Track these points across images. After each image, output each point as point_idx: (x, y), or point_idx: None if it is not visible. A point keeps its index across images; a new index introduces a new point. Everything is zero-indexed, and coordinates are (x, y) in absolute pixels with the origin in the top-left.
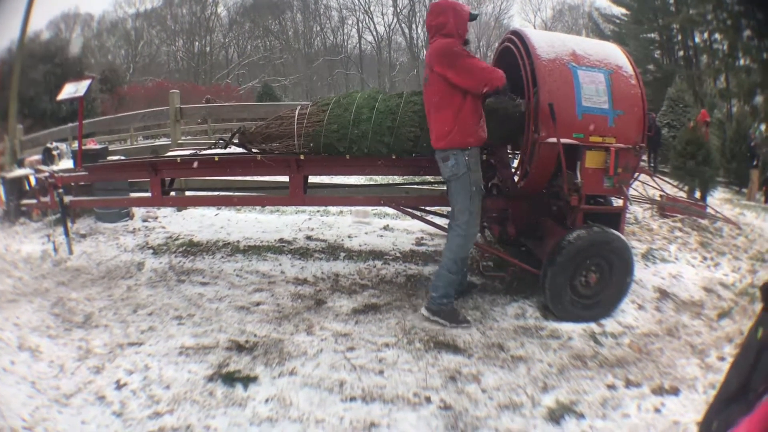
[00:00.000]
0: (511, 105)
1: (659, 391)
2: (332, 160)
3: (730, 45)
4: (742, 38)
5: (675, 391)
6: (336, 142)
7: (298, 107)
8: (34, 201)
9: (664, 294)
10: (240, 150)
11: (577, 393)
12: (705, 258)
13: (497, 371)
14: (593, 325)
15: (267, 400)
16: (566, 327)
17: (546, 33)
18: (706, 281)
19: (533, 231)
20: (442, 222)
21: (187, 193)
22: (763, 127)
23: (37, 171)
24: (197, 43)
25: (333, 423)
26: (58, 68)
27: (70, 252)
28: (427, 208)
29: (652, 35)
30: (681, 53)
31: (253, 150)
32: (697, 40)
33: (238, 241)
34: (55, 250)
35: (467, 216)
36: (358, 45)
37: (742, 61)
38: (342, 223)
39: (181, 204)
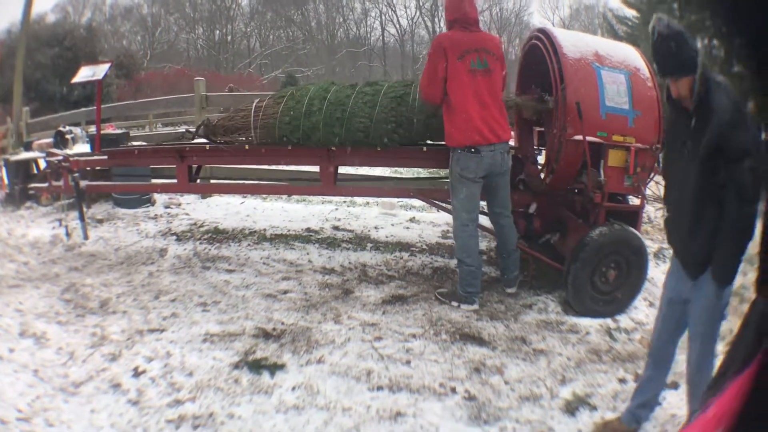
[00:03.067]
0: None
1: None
2: (363, 152)
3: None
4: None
5: (675, 386)
6: (289, 133)
7: (257, 99)
8: (44, 185)
9: None
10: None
11: (592, 386)
12: None
13: (520, 363)
14: (609, 321)
15: (294, 388)
16: (585, 322)
17: (570, 32)
18: None
19: (557, 227)
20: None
21: (212, 181)
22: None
23: (50, 154)
24: (218, 32)
25: (360, 411)
26: (68, 52)
27: (85, 237)
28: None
29: None
30: None
31: (218, 141)
32: (699, 45)
33: (264, 230)
34: (68, 234)
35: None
36: (381, 37)
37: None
38: (368, 215)
39: (209, 191)
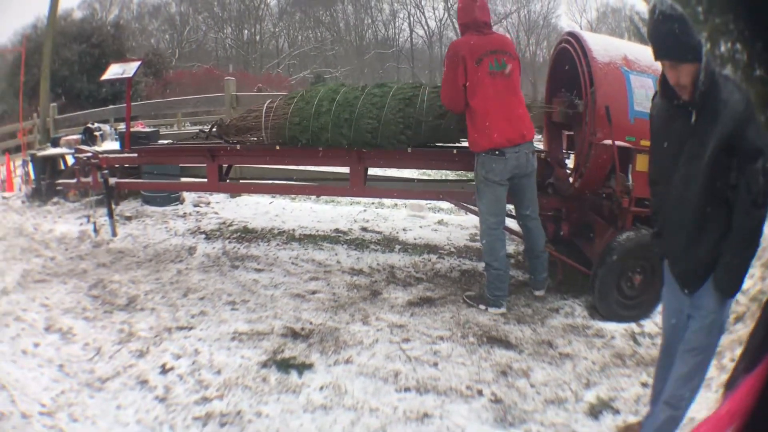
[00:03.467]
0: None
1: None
2: (393, 153)
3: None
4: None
5: None
6: (299, 134)
7: (268, 100)
8: (72, 181)
9: None
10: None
11: (616, 390)
12: None
13: (545, 367)
14: (633, 326)
15: (322, 388)
16: (610, 326)
17: (600, 36)
18: None
19: (585, 231)
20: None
21: (241, 180)
22: None
23: (78, 151)
24: (246, 32)
25: (387, 412)
26: (95, 49)
27: (114, 234)
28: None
29: None
30: None
31: (230, 141)
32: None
33: (293, 230)
34: (96, 231)
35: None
36: (409, 39)
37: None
38: (397, 216)
39: (239, 191)
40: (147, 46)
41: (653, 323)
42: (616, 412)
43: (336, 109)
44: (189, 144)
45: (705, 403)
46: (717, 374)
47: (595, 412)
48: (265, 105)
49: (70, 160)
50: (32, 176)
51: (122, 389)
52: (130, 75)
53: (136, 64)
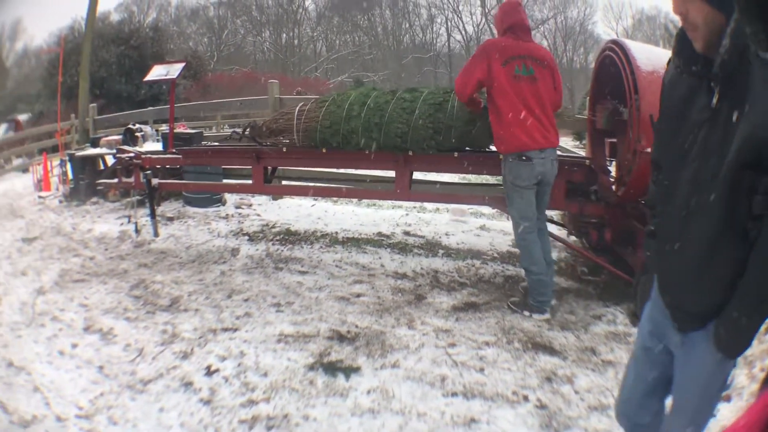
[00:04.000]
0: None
1: (727, 399)
2: (439, 158)
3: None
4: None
5: (728, 399)
6: (330, 137)
7: (300, 103)
8: (113, 181)
9: None
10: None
11: None
12: None
13: (589, 374)
14: None
15: (369, 392)
16: None
17: (643, 45)
18: None
19: (627, 239)
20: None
21: (284, 182)
22: None
23: (120, 151)
24: (284, 35)
25: (434, 417)
26: (134, 51)
27: (156, 234)
28: None
29: None
30: None
31: (263, 143)
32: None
33: (336, 233)
34: (137, 231)
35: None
36: (446, 44)
37: None
38: (439, 221)
39: (284, 193)
40: (186, 49)
41: None
42: None
43: (366, 113)
44: (235, 145)
45: (738, 412)
46: (747, 383)
47: None
48: (297, 108)
49: (109, 161)
50: (70, 176)
51: (165, 391)
52: (174, 76)
53: (180, 65)
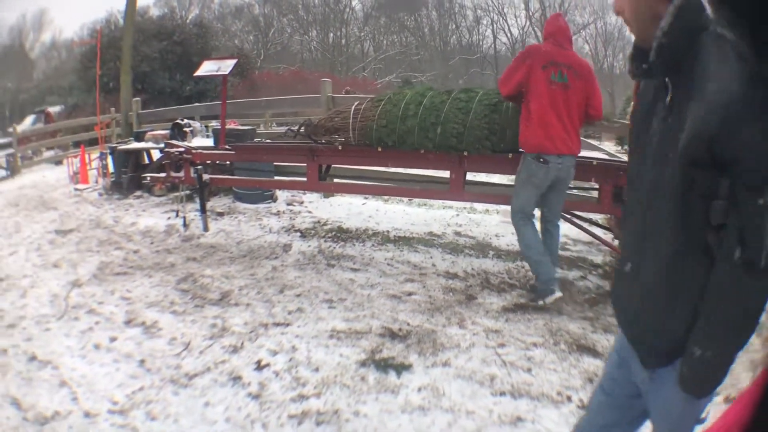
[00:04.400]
0: None
1: (728, 400)
2: (494, 158)
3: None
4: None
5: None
6: (385, 136)
7: (356, 102)
8: (161, 175)
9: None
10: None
11: None
12: None
13: None
14: None
15: (420, 389)
16: None
17: None
18: None
19: None
20: (597, 231)
21: (335, 180)
22: None
23: (169, 146)
24: (331, 35)
25: (482, 415)
26: (177, 46)
27: (205, 229)
28: (578, 213)
29: None
30: None
31: (318, 141)
32: None
33: (387, 231)
34: (185, 225)
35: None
36: (492, 45)
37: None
38: (489, 222)
39: (338, 191)
40: (231, 47)
41: None
42: None
43: (423, 113)
44: (290, 143)
45: None
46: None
47: None
48: (353, 107)
49: (155, 155)
50: (111, 169)
51: (212, 386)
52: (226, 72)
53: (232, 62)
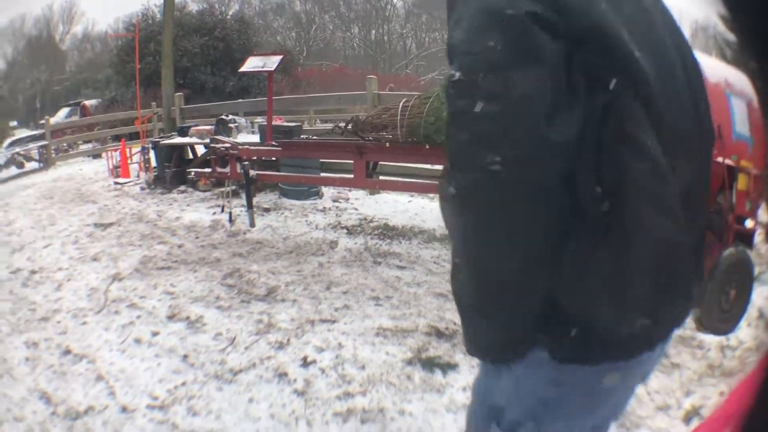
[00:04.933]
0: None
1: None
2: None
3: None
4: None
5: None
6: (434, 133)
7: (404, 99)
8: (207, 170)
9: (761, 314)
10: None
11: (704, 398)
12: None
13: (659, 375)
14: (722, 339)
15: (465, 388)
16: (708, 339)
17: (704, 56)
18: None
19: None
20: None
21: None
22: None
23: (215, 141)
24: (374, 32)
25: None
26: (219, 42)
27: (252, 224)
28: None
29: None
30: None
31: (365, 138)
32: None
33: (434, 229)
34: (231, 221)
35: None
36: None
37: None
38: None
39: (385, 188)
40: (273, 43)
41: (735, 337)
42: (702, 417)
43: None
44: (337, 139)
45: None
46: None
47: (687, 417)
48: (401, 104)
49: (199, 150)
50: (153, 164)
51: (257, 382)
52: (272, 68)
53: (278, 57)
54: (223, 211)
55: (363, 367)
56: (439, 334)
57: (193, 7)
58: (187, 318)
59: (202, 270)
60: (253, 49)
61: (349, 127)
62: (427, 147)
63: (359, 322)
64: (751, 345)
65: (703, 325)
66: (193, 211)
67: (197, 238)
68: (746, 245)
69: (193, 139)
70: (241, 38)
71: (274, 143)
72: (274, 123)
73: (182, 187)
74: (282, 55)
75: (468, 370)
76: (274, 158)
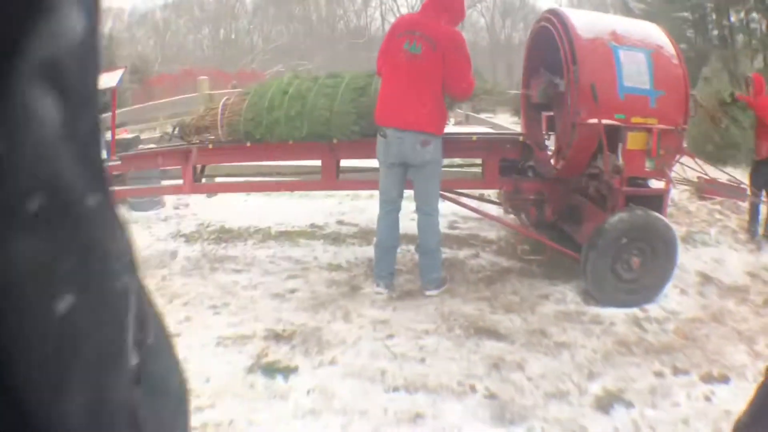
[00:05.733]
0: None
1: (708, 379)
2: (366, 143)
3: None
4: None
5: (725, 379)
6: (253, 129)
7: (224, 98)
8: None
9: (707, 279)
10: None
11: (625, 381)
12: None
13: (541, 358)
14: (636, 311)
15: (309, 392)
16: (608, 312)
17: (585, 12)
18: (750, 266)
19: (571, 214)
20: (477, 205)
21: (218, 179)
22: None
23: None
24: (222, 30)
25: (377, 414)
26: None
27: None
28: (460, 191)
29: (685, 14)
30: (716, 32)
31: (191, 141)
32: (732, 19)
33: (269, 227)
34: None
35: (438, 198)
36: (381, 28)
37: None
38: (373, 208)
39: (213, 191)
40: (134, 55)
41: (659, 307)
42: (630, 405)
43: (288, 103)
44: (165, 147)
45: (742, 394)
46: (751, 362)
47: (604, 405)
48: (221, 102)
49: None
50: None
51: None
52: (114, 84)
53: (120, 72)
54: None
55: (208, 380)
56: (278, 337)
57: None
58: None
59: None
60: (117, 63)
61: (176, 132)
62: (249, 144)
63: (201, 333)
64: (696, 315)
65: (595, 298)
66: None
67: None
68: (653, 208)
69: None
70: (108, 55)
71: (115, 158)
72: (119, 136)
73: None
74: (123, 68)
75: (309, 371)
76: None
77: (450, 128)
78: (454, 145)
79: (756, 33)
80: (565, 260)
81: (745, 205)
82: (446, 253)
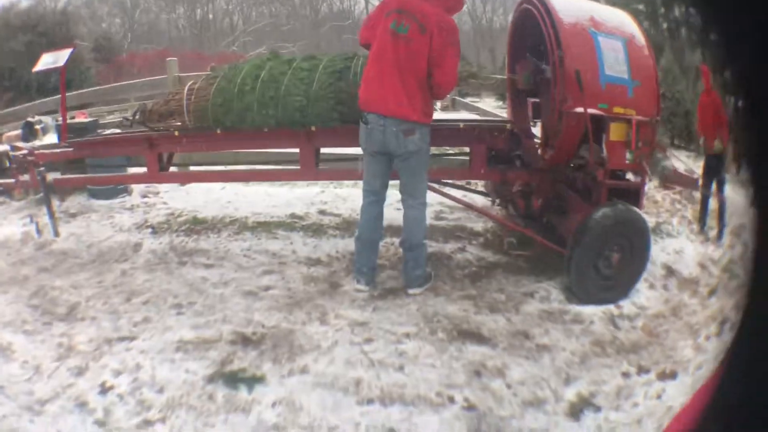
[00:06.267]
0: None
1: (662, 376)
2: (346, 130)
3: (703, 19)
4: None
5: (674, 376)
6: (222, 116)
7: (190, 82)
8: (11, 181)
9: (670, 271)
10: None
11: (596, 384)
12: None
13: (522, 363)
14: (612, 308)
15: (274, 404)
16: (588, 310)
17: None
18: (701, 256)
19: (557, 205)
20: (461, 195)
21: (191, 168)
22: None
23: (15, 148)
24: (199, 11)
25: (347, 430)
26: (42, 37)
27: (56, 234)
28: (446, 181)
29: (640, 6)
30: (665, 25)
31: (154, 128)
32: (676, 12)
33: (246, 217)
34: (39, 232)
35: (425, 190)
36: (365, 10)
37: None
38: (356, 196)
39: (180, 181)
40: (97, 31)
41: (631, 303)
42: (597, 409)
43: (261, 87)
44: (128, 133)
45: (684, 389)
46: (693, 356)
47: (575, 411)
48: (187, 86)
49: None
50: None
51: (61, 413)
52: (62, 64)
53: (68, 51)
54: (32, 221)
55: (161, 390)
56: (246, 341)
57: (25, 3)
58: (0, 345)
59: (12, 290)
60: (74, 40)
61: (137, 117)
62: (218, 131)
63: (159, 336)
64: (660, 310)
65: (577, 295)
66: (9, 224)
67: (9, 255)
68: (631, 202)
69: (4, 147)
70: (62, 31)
71: (66, 144)
72: (73, 120)
73: (1, 199)
74: (71, 47)
75: (277, 381)
76: (79, 159)
77: (437, 114)
78: (440, 133)
79: (695, 27)
80: (552, 254)
81: (697, 195)
82: (432, 246)
